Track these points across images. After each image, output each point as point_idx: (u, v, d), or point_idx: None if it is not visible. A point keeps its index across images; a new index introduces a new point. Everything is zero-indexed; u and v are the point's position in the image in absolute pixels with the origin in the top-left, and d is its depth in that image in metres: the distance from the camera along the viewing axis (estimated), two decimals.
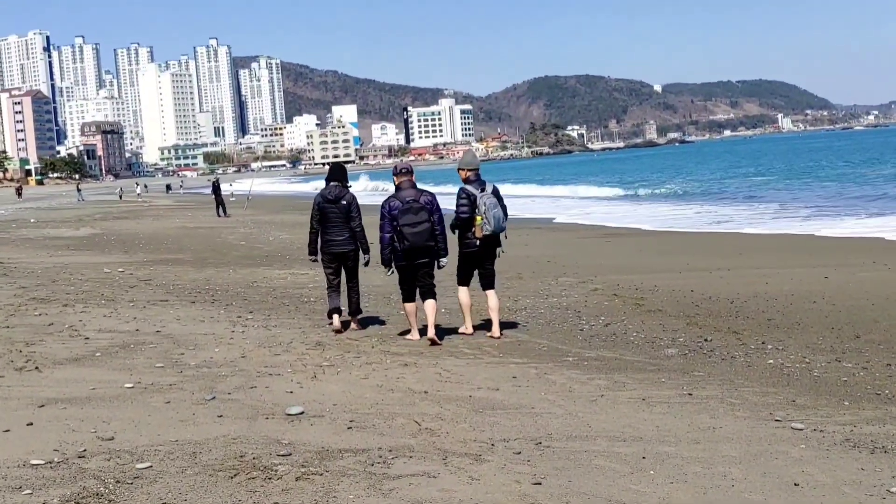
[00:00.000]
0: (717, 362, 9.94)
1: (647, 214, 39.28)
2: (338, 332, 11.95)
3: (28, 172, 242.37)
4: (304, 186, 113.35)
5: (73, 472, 6.00)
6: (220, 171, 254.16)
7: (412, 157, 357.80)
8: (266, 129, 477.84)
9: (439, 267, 11.62)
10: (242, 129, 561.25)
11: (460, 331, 11.95)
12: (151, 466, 6.11)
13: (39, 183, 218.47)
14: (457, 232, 11.73)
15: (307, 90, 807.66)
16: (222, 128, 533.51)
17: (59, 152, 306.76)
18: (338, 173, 12.50)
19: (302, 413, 7.57)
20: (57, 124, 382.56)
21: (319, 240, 12.37)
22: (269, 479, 5.88)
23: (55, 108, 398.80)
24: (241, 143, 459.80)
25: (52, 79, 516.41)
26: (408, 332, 11.70)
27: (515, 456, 6.43)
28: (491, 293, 11.83)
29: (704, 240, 26.13)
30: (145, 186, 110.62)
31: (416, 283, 11.57)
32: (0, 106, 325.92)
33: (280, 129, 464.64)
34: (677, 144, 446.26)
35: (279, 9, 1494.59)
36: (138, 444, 6.64)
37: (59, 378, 8.93)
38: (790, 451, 6.56)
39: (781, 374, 9.33)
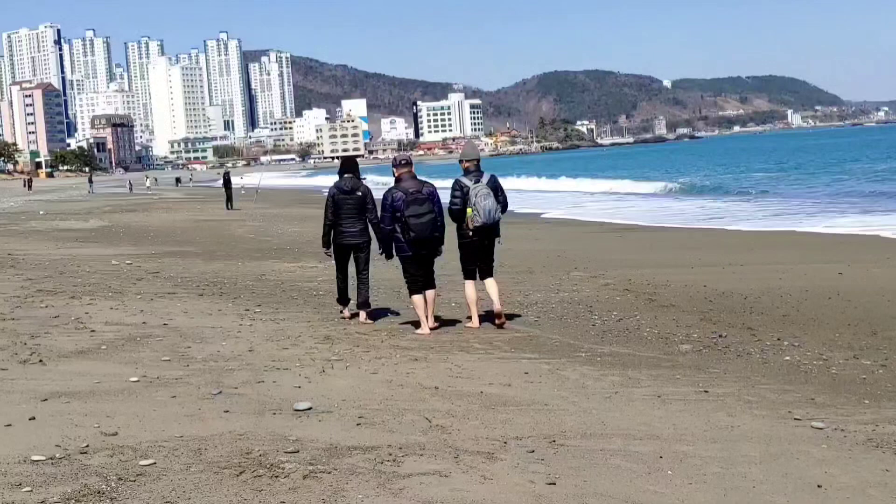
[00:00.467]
0: (733, 359, 9.77)
1: (679, 209, 39.07)
2: (353, 316, 12.34)
3: (38, 165, 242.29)
4: (312, 181, 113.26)
5: (74, 468, 5.83)
6: (229, 165, 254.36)
7: (421, 152, 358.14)
8: (276, 123, 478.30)
9: (436, 255, 11.81)
10: (252, 122, 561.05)
11: (466, 325, 11.89)
12: (155, 463, 5.94)
13: (50, 175, 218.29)
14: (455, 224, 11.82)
15: (317, 84, 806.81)
16: (232, 121, 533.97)
17: (69, 145, 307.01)
18: (350, 166, 12.71)
19: (310, 409, 7.40)
20: (67, 117, 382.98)
21: (332, 232, 12.47)
22: (276, 477, 5.71)
23: (66, 101, 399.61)
24: (250, 137, 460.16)
25: (62, 72, 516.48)
26: (417, 324, 11.66)
27: (529, 455, 6.25)
28: (490, 281, 11.90)
29: (715, 235, 25.93)
30: (155, 180, 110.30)
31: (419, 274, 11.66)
32: (11, 98, 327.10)
33: (290, 122, 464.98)
34: (687, 140, 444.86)
35: (289, 3, 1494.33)
36: (142, 440, 6.48)
37: (63, 371, 8.77)
38: (811, 452, 6.38)
39: (799, 371, 9.16)
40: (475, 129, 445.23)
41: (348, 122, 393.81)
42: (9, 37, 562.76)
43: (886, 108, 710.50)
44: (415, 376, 8.76)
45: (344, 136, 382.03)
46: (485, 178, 11.68)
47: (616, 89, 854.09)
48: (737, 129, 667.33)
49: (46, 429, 6.74)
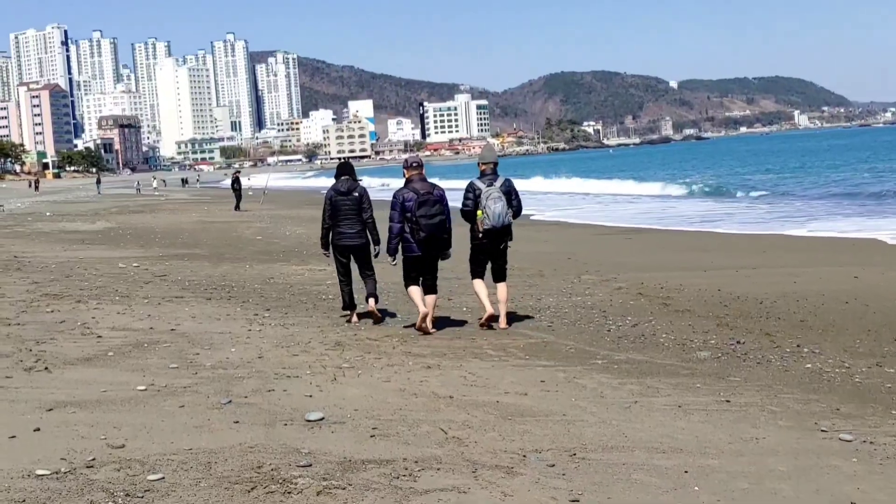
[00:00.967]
0: (753, 366, 9.55)
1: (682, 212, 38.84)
2: (361, 317, 12.41)
3: (45, 166, 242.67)
4: (319, 181, 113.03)
5: (80, 483, 5.62)
6: (236, 165, 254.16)
7: (428, 153, 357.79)
8: (282, 124, 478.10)
9: (446, 257, 11.94)
10: (259, 123, 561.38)
11: (480, 322, 11.97)
12: (164, 478, 5.73)
13: (57, 176, 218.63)
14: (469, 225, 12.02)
15: (324, 85, 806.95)
16: (239, 122, 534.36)
17: (76, 146, 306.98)
18: (347, 169, 12.87)
19: (322, 419, 7.20)
20: (74, 118, 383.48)
21: (330, 234, 12.59)
22: (289, 493, 5.50)
23: (73, 102, 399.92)
24: (257, 138, 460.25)
25: (69, 73, 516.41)
26: (411, 326, 11.89)
27: (549, 469, 6.04)
28: (501, 285, 12.08)
29: (725, 237, 25.71)
30: (163, 181, 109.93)
31: (423, 277, 11.79)
32: (18, 99, 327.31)
33: (296, 123, 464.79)
34: (693, 141, 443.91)
35: (296, 4, 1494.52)
36: (150, 453, 6.28)
37: (69, 379, 8.58)
38: (842, 466, 6.16)
39: (821, 379, 8.94)
40: (482, 130, 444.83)
41: (355, 122, 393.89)
42: (16, 38, 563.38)
43: (893, 109, 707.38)
44: (428, 385, 8.55)
45: (350, 136, 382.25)
46: (498, 182, 11.81)
47: (622, 90, 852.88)
48: (743, 129, 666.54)
49: (51, 441, 6.55)
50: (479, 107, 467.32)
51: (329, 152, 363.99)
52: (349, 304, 12.64)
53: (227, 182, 55.97)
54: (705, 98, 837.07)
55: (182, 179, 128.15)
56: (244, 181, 51.62)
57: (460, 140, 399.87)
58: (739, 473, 5.99)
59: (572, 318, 12.57)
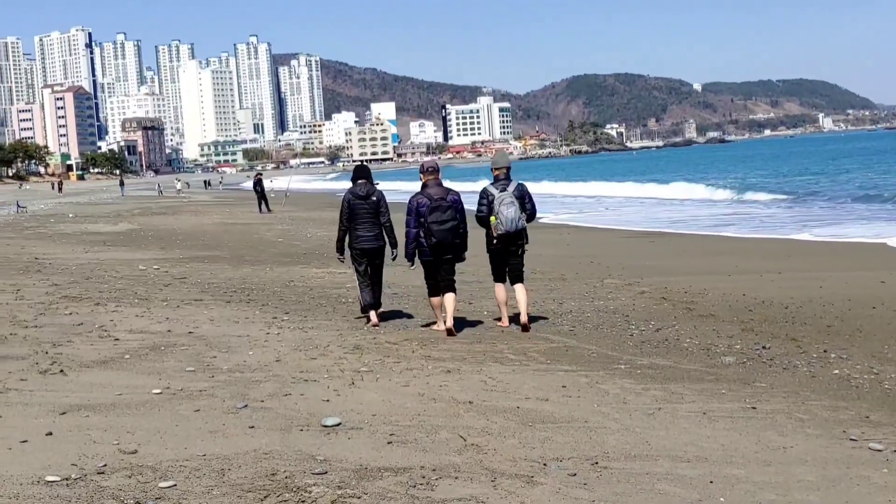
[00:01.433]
0: (779, 372, 9.36)
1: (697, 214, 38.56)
2: (375, 326, 12.17)
3: (69, 167, 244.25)
4: (340, 184, 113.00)
5: (90, 490, 5.49)
6: (258, 168, 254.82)
7: (450, 155, 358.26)
8: (305, 126, 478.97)
9: (460, 260, 12.11)
10: (282, 125, 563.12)
11: (497, 324, 12.24)
12: (175, 485, 5.59)
13: (80, 178, 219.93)
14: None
15: (346, 87, 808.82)
16: (262, 124, 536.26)
17: (100, 148, 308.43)
18: (364, 172, 12.87)
19: (339, 424, 7.06)
20: (98, 120, 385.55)
21: (348, 237, 12.67)
22: (303, 501, 5.35)
23: (97, 104, 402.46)
24: (280, 140, 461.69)
25: (93, 75, 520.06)
26: (433, 323, 12.13)
27: (571, 478, 5.87)
28: (519, 287, 12.16)
29: (749, 241, 25.46)
30: (187, 184, 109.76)
31: (440, 278, 11.93)
32: (43, 101, 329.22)
33: (319, 126, 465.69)
34: (717, 144, 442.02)
35: (319, 6, 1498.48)
36: (163, 459, 6.15)
37: (84, 382, 8.47)
38: (872, 477, 5.98)
39: (849, 385, 8.74)
40: (504, 133, 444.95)
41: (377, 125, 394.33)
42: (41, 40, 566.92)
43: None
44: (448, 389, 8.39)
45: (373, 139, 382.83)
46: (511, 187, 11.95)
47: (646, 92, 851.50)
48: (767, 132, 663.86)
49: (63, 445, 6.43)
50: (501, 109, 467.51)
51: (351, 154, 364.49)
52: (369, 304, 12.58)
53: (249, 184, 55.92)
54: (729, 101, 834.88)
55: (205, 181, 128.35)
56: (266, 184, 51.53)
57: (482, 143, 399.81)
58: (766, 484, 5.81)
59: (594, 323, 12.40)
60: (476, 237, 12.38)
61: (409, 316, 13.12)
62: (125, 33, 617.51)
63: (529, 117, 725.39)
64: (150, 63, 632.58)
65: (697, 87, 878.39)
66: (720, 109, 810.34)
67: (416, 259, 11.92)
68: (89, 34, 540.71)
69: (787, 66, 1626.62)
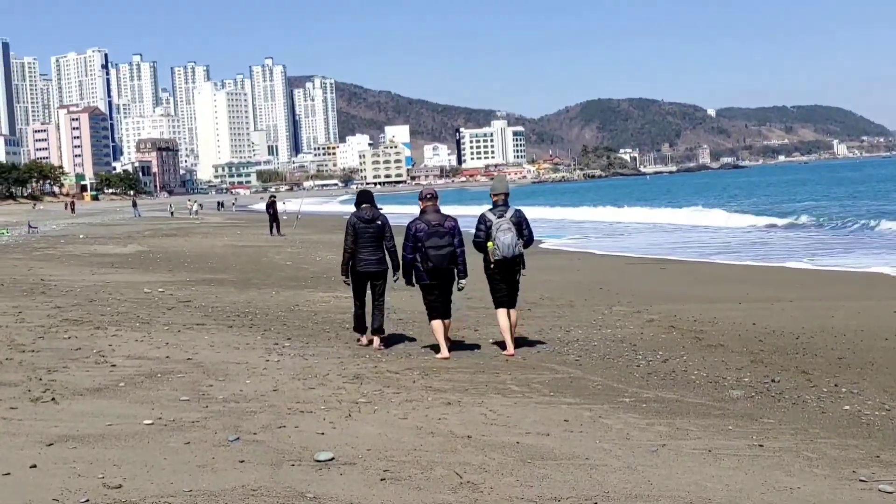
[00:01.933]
0: (788, 407, 9.12)
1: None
2: (370, 342, 12.60)
3: (83, 188, 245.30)
4: (351, 207, 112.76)
5: None
6: (272, 190, 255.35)
7: (463, 178, 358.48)
8: (319, 149, 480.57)
9: (459, 289, 12.30)
10: (296, 147, 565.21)
11: (503, 353, 12.15)
12: None
13: (94, 198, 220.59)
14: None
15: (360, 110, 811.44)
16: (276, 146, 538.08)
17: (114, 168, 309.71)
18: (367, 197, 13.11)
19: (332, 459, 6.85)
20: (113, 140, 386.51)
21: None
22: None
23: (112, 125, 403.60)
24: (294, 162, 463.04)
25: (109, 96, 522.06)
26: (437, 348, 12.10)
27: None
28: (511, 311, 12.29)
29: (760, 269, 25.15)
30: (200, 205, 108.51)
31: (436, 302, 12.16)
32: (58, 122, 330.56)
33: (333, 148, 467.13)
34: (731, 169, 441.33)
35: (334, 29, 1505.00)
36: (147, 495, 5.95)
37: (75, 411, 8.29)
38: None
39: (860, 423, 8.49)
40: (518, 156, 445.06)
41: (391, 147, 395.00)
42: (57, 61, 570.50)
43: None
44: (447, 423, 8.18)
45: (387, 161, 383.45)
46: (509, 213, 12.13)
47: (659, 117, 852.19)
48: (781, 158, 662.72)
49: (46, 479, 6.25)
50: (515, 133, 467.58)
51: (365, 177, 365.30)
52: (359, 326, 12.88)
53: (260, 206, 55.88)
54: (743, 126, 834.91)
55: (218, 203, 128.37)
56: (279, 206, 51.30)
57: (496, 166, 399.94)
58: None
59: (601, 352, 12.19)
60: (475, 263, 12.51)
61: (413, 339, 13.14)
62: (141, 54, 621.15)
63: (543, 141, 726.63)
64: (166, 84, 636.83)
65: (711, 112, 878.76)
66: (734, 135, 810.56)
67: (414, 281, 12.20)
68: (105, 55, 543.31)
69: (801, 93, 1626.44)
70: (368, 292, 12.92)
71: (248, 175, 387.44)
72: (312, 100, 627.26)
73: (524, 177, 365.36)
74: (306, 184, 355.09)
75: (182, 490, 6.07)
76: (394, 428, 7.96)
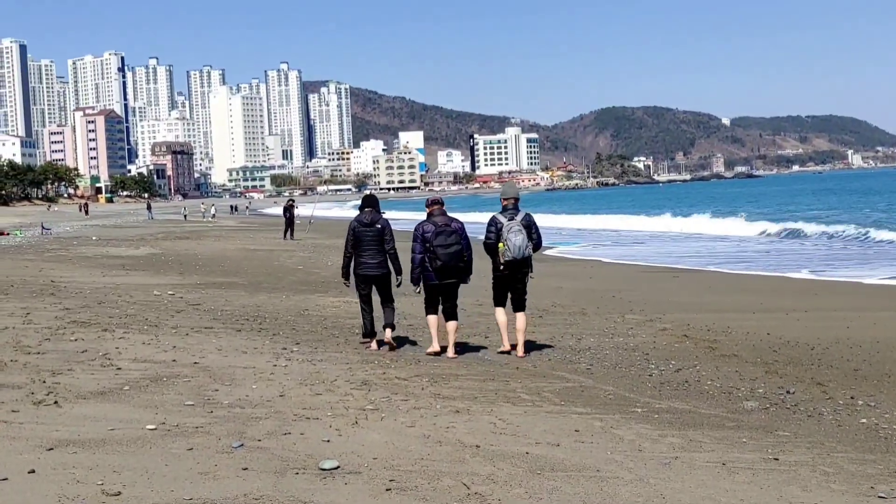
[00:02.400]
0: (803, 419, 8.94)
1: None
2: (380, 345, 12.74)
3: (98, 190, 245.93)
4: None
5: None
6: (286, 194, 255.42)
7: (477, 185, 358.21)
8: (333, 154, 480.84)
9: (464, 282, 12.67)
10: (310, 152, 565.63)
11: (499, 350, 12.58)
12: None
13: (109, 201, 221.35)
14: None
15: (375, 115, 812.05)
16: (290, 151, 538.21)
17: (129, 171, 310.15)
18: (371, 201, 13.34)
19: (337, 468, 6.70)
20: (128, 143, 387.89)
21: (353, 263, 13.06)
22: None
23: (127, 128, 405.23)
24: (308, 167, 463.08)
25: (125, 99, 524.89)
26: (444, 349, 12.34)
27: None
28: (520, 315, 12.55)
29: (774, 279, 24.93)
30: (216, 210, 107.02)
31: (443, 304, 12.50)
32: (74, 124, 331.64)
33: (347, 153, 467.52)
34: (745, 178, 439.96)
35: (349, 35, 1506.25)
36: (146, 502, 5.80)
37: (77, 415, 8.15)
38: None
39: (877, 436, 8.31)
40: (531, 163, 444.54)
41: (405, 153, 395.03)
42: (74, 63, 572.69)
43: None
44: (455, 431, 8.01)
45: (400, 167, 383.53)
46: (519, 216, 12.39)
47: (674, 126, 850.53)
48: (796, 168, 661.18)
49: (44, 485, 6.11)
50: (529, 140, 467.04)
51: (379, 182, 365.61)
52: (369, 331, 12.94)
53: (273, 209, 55.61)
54: (757, 136, 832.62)
55: (231, 206, 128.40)
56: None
57: (510, 173, 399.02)
58: None
59: (613, 361, 12.03)
60: (482, 267, 12.76)
61: (413, 342, 13.19)
62: (157, 58, 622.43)
63: (557, 148, 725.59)
64: (182, 88, 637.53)
65: (726, 121, 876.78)
66: (748, 144, 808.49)
67: (423, 284, 12.43)
68: (122, 58, 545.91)
69: (816, 102, 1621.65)
70: (376, 297, 12.98)
71: (262, 179, 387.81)
72: (327, 105, 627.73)
73: (538, 184, 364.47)
74: (320, 188, 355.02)
75: (182, 498, 5.92)
76: (401, 436, 7.80)
